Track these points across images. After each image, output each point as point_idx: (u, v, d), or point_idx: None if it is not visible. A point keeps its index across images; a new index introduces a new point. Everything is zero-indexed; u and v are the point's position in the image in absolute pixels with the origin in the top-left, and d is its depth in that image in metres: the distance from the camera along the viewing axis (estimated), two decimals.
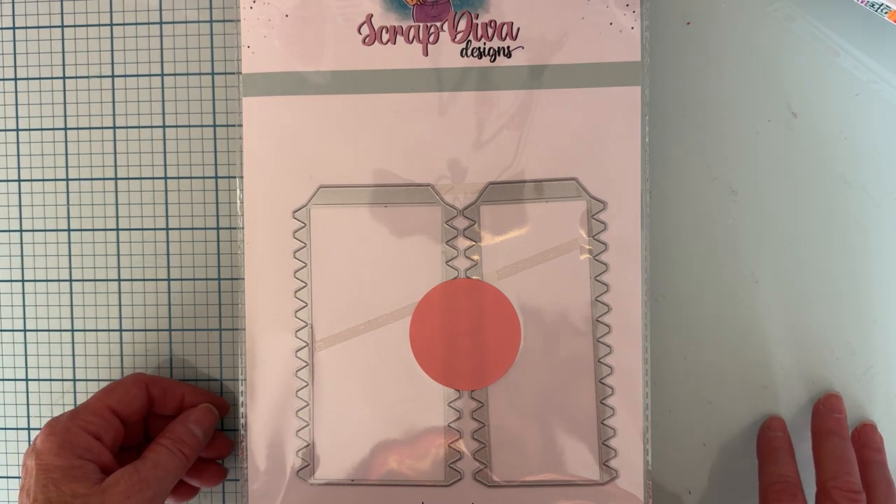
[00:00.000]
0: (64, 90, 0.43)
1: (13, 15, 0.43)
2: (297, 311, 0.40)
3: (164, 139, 0.43)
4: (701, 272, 0.41)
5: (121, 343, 0.43)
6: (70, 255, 0.43)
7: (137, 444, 0.41)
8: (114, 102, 0.43)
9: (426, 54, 0.39)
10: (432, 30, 0.39)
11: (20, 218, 0.44)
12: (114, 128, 0.43)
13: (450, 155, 0.40)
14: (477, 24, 0.39)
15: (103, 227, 0.43)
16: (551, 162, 0.39)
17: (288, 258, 0.40)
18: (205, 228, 0.43)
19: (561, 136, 0.39)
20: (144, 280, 0.43)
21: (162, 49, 0.42)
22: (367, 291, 0.40)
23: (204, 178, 0.43)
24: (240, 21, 0.40)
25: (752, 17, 0.41)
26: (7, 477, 0.44)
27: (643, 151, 0.39)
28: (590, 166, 0.39)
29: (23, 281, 0.44)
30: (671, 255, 0.41)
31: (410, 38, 0.39)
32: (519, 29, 0.39)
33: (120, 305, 0.43)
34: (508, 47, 0.39)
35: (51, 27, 0.43)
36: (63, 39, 0.43)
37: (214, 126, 0.43)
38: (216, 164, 0.43)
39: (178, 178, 0.43)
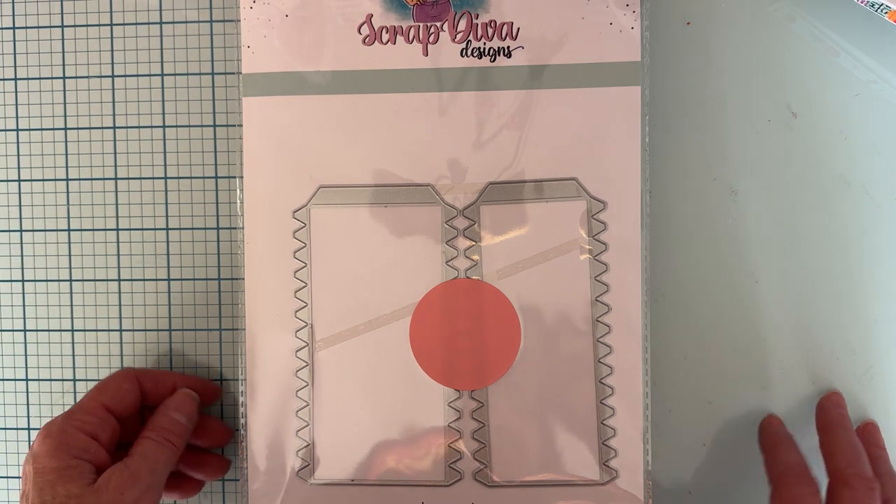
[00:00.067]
0: (64, 90, 0.43)
1: (13, 15, 0.43)
2: (297, 311, 0.40)
3: (164, 139, 0.43)
4: (701, 272, 0.41)
5: (121, 343, 0.43)
6: (70, 255, 0.43)
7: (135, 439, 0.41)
8: (114, 102, 0.43)
9: (426, 54, 0.39)
10: (432, 30, 0.39)
11: (20, 218, 0.44)
12: (114, 128, 0.43)
13: (450, 155, 0.40)
14: (477, 24, 0.39)
15: (103, 227, 0.43)
16: (551, 162, 0.39)
17: (288, 258, 0.40)
18: (205, 228, 0.43)
19: (561, 136, 0.39)
20: (144, 280, 0.43)
21: (162, 49, 0.42)
22: (367, 291, 0.40)
23: (204, 178, 0.43)
24: (240, 21, 0.40)
25: (752, 17, 0.41)
26: (7, 477, 0.44)
27: (643, 151, 0.39)
28: (590, 166, 0.39)
29: (23, 281, 0.44)
30: (671, 255, 0.41)
31: (410, 38, 0.39)
32: (519, 29, 0.39)
33: (120, 305, 0.43)
34: (508, 47, 0.39)
35: (51, 27, 0.43)
36: (63, 39, 0.43)
37: (214, 126, 0.43)
38: (216, 164, 0.43)
39: (178, 178, 0.43)
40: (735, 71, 0.41)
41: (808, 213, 0.41)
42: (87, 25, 0.43)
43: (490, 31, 0.39)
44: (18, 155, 0.44)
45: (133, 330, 0.43)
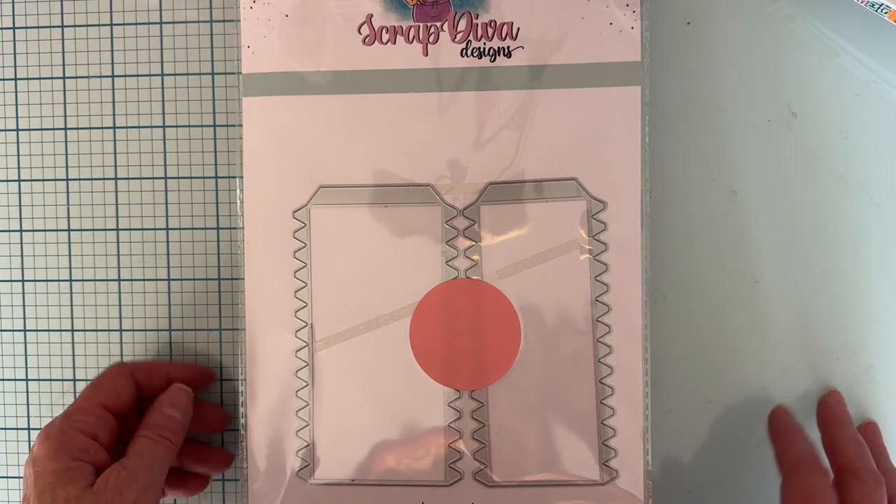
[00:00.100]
0: (64, 90, 0.43)
1: (13, 15, 0.43)
2: (297, 311, 0.40)
3: (164, 139, 0.43)
4: (701, 272, 0.41)
5: (121, 343, 0.43)
6: (70, 255, 0.43)
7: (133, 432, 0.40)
8: (114, 102, 0.43)
9: (426, 54, 0.39)
10: (432, 30, 0.39)
11: (20, 218, 0.44)
12: (114, 128, 0.43)
13: (450, 155, 0.40)
14: (477, 24, 0.39)
15: (103, 227, 0.43)
16: (551, 162, 0.39)
17: (288, 258, 0.40)
18: (205, 228, 0.43)
19: (561, 136, 0.39)
20: (144, 280, 0.43)
21: (162, 49, 0.42)
22: (367, 291, 0.40)
23: (204, 178, 0.43)
24: (240, 21, 0.40)
25: (752, 17, 0.41)
26: (7, 477, 0.44)
27: (643, 151, 0.39)
28: (590, 166, 0.39)
29: (23, 281, 0.44)
30: (671, 255, 0.41)
31: (410, 38, 0.39)
32: (519, 29, 0.39)
33: (120, 305, 0.43)
34: (508, 47, 0.39)
35: (51, 27, 0.43)
36: (63, 39, 0.43)
37: (214, 126, 0.43)
38: (216, 164, 0.43)
39: (178, 178, 0.43)
40: (735, 71, 0.41)
41: (808, 213, 0.41)
42: (87, 25, 0.43)
43: (490, 31, 0.39)
44: (18, 155, 0.44)
45: (133, 330, 0.43)
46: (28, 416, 0.44)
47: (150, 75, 0.43)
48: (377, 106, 0.40)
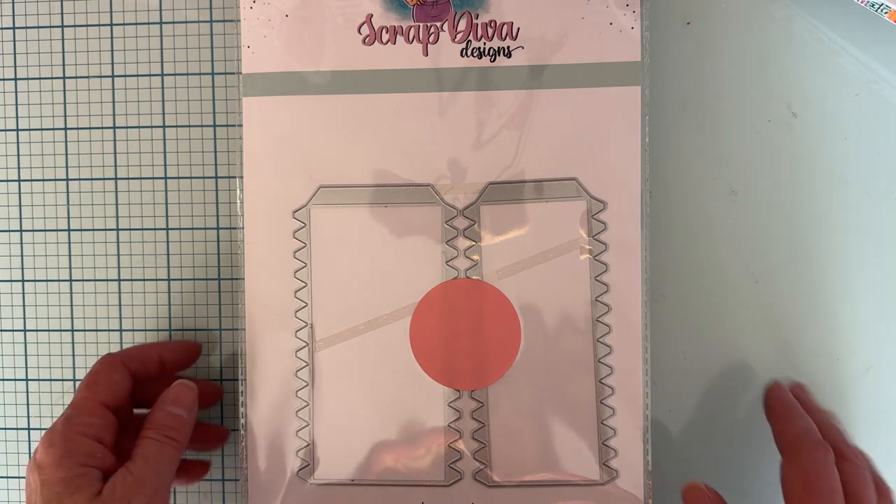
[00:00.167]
0: (64, 90, 0.43)
1: (13, 15, 0.43)
2: (297, 311, 0.40)
3: (164, 139, 0.43)
4: (701, 272, 0.41)
5: (121, 343, 0.43)
6: (70, 255, 0.43)
7: (131, 422, 0.40)
8: (114, 102, 0.43)
9: (426, 54, 0.39)
10: (432, 30, 0.39)
11: (20, 218, 0.44)
12: (114, 128, 0.43)
13: (450, 155, 0.40)
14: (477, 24, 0.39)
15: (103, 227, 0.43)
16: (551, 162, 0.39)
17: (288, 258, 0.40)
18: (205, 228, 0.43)
19: (561, 136, 0.39)
20: (144, 280, 0.43)
21: (162, 49, 0.42)
22: (367, 291, 0.40)
23: (204, 178, 0.43)
24: (240, 21, 0.40)
25: (752, 17, 0.41)
26: (7, 477, 0.44)
27: (643, 151, 0.39)
28: (590, 166, 0.39)
29: (23, 281, 0.44)
30: (671, 255, 0.41)
31: (410, 38, 0.39)
32: (519, 29, 0.39)
33: (120, 305, 0.43)
34: (508, 47, 0.39)
35: (51, 27, 0.43)
36: (63, 39, 0.43)
37: (214, 126, 0.43)
38: (216, 164, 0.43)
39: (178, 178, 0.43)
40: (735, 71, 0.41)
41: (808, 213, 0.41)
42: (87, 25, 0.43)
43: (490, 31, 0.39)
44: (18, 155, 0.44)
45: (133, 330, 0.43)
46: (28, 416, 0.44)
47: (150, 75, 0.43)
48: (377, 106, 0.40)
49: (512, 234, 0.40)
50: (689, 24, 0.41)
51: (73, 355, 0.44)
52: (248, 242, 0.40)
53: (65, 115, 0.43)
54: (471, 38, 0.39)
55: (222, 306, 0.43)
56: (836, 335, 0.41)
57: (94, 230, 0.43)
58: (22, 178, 0.44)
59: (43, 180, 0.43)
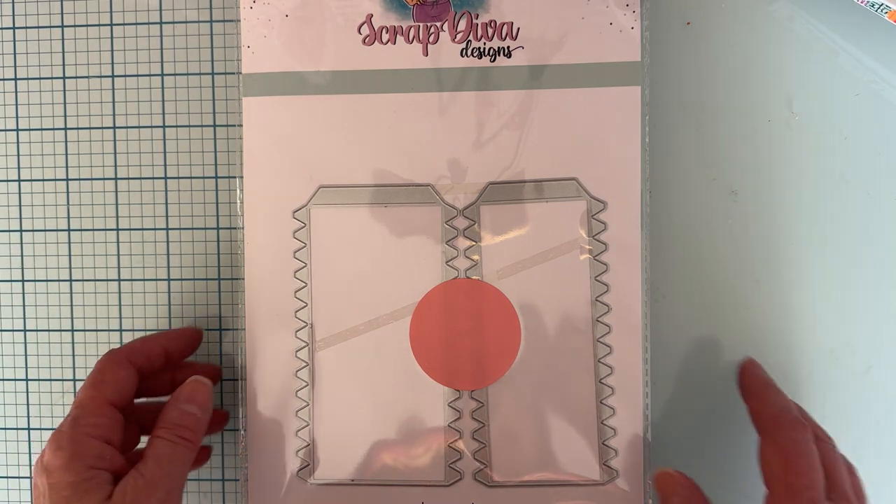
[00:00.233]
0: (64, 90, 0.43)
1: (13, 15, 0.43)
2: (297, 311, 0.40)
3: (164, 139, 0.43)
4: (701, 272, 0.41)
5: (121, 343, 0.43)
6: (70, 255, 0.43)
7: (132, 412, 0.39)
8: (114, 102, 0.43)
9: (426, 54, 0.39)
10: (432, 30, 0.39)
11: (20, 218, 0.44)
12: (114, 128, 0.43)
13: (450, 155, 0.40)
14: (477, 24, 0.39)
15: (103, 227, 0.43)
16: (551, 162, 0.39)
17: (288, 258, 0.40)
18: (205, 228, 0.43)
19: (561, 136, 0.39)
20: (144, 280, 0.43)
21: (162, 49, 0.42)
22: (367, 291, 0.40)
23: (204, 178, 0.43)
24: (240, 21, 0.40)
25: (752, 17, 0.41)
26: (7, 477, 0.44)
27: (643, 151, 0.39)
28: (590, 166, 0.39)
29: (23, 281, 0.44)
30: (671, 255, 0.41)
31: (410, 38, 0.39)
32: (519, 29, 0.39)
33: (120, 305, 0.43)
34: (508, 47, 0.39)
35: (51, 27, 0.43)
36: (63, 39, 0.43)
37: (214, 126, 0.43)
38: (216, 164, 0.43)
39: (178, 178, 0.43)
40: (735, 71, 0.41)
41: (808, 213, 0.41)
42: (87, 25, 0.43)
43: (490, 31, 0.39)
44: (18, 155, 0.44)
45: (133, 330, 0.43)
46: (28, 416, 0.44)
47: (150, 75, 0.43)
48: (377, 106, 0.40)
49: (512, 234, 0.40)
50: (689, 24, 0.41)
51: (73, 355, 0.44)
52: (248, 242, 0.40)
53: (65, 115, 0.43)
54: (471, 38, 0.39)
55: (222, 306, 0.43)
56: (836, 335, 0.41)
57: (94, 230, 0.43)
58: (22, 178, 0.44)
59: (43, 180, 0.43)
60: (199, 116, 0.43)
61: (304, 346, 0.40)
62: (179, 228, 0.43)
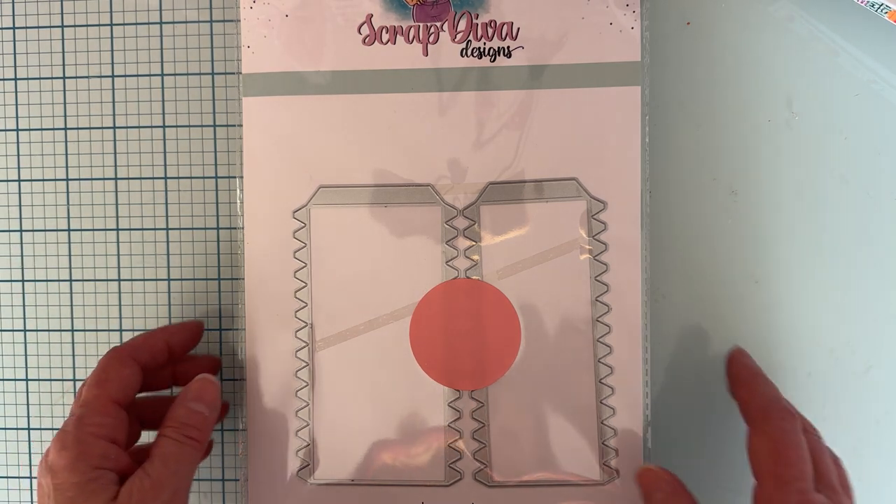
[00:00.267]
0: (64, 90, 0.43)
1: (13, 15, 0.43)
2: (297, 311, 0.40)
3: (164, 139, 0.43)
4: (701, 272, 0.41)
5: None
6: (70, 255, 0.43)
7: (132, 407, 0.39)
8: (114, 102, 0.43)
9: (426, 54, 0.39)
10: (432, 30, 0.39)
11: (20, 218, 0.44)
12: (114, 128, 0.43)
13: (450, 155, 0.40)
14: (477, 24, 0.39)
15: (103, 227, 0.43)
16: (551, 162, 0.39)
17: (288, 258, 0.40)
18: (205, 228, 0.43)
19: (561, 136, 0.39)
20: (144, 280, 0.43)
21: (162, 49, 0.42)
22: (367, 291, 0.40)
23: (204, 178, 0.43)
24: (240, 21, 0.40)
25: (752, 17, 0.41)
26: (6, 477, 0.44)
27: (643, 151, 0.39)
28: (590, 166, 0.39)
29: (23, 281, 0.44)
30: (671, 255, 0.41)
31: (410, 38, 0.39)
32: (519, 29, 0.39)
33: (120, 305, 0.43)
34: (508, 47, 0.39)
35: (51, 27, 0.43)
36: (63, 39, 0.43)
37: (214, 126, 0.43)
38: (216, 164, 0.43)
39: (178, 178, 0.43)
40: (735, 71, 0.41)
41: (808, 213, 0.41)
42: (87, 25, 0.43)
43: (490, 31, 0.39)
44: (18, 155, 0.44)
45: (133, 330, 0.43)
46: (28, 416, 0.44)
47: (150, 75, 0.43)
48: (377, 106, 0.40)
49: (512, 234, 0.40)
50: (689, 24, 0.41)
51: (73, 355, 0.44)
52: (248, 242, 0.40)
53: (65, 115, 0.43)
54: (471, 38, 0.39)
55: (222, 306, 0.43)
56: (836, 335, 0.41)
57: (94, 230, 0.43)
58: (22, 178, 0.44)
59: (43, 180, 0.43)
60: (199, 116, 0.43)
61: (304, 346, 0.40)
62: (179, 228, 0.43)
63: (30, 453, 0.44)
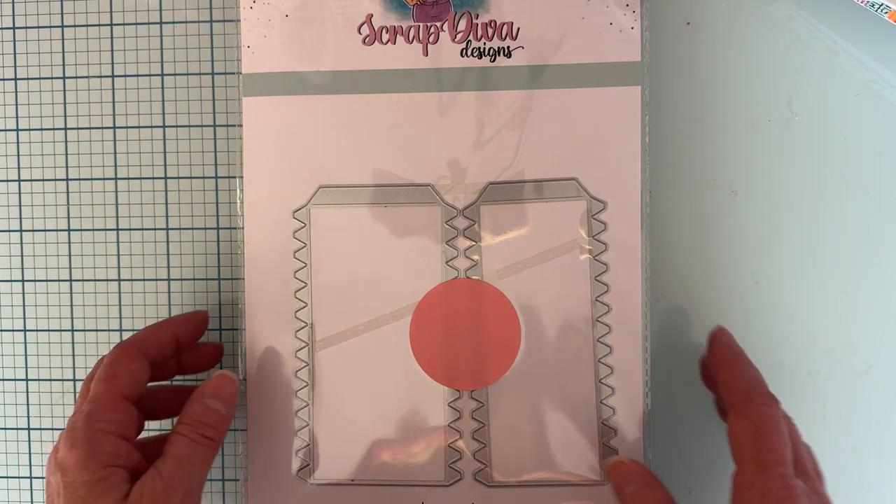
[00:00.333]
0: (64, 90, 0.43)
1: (13, 15, 0.43)
2: (297, 311, 0.40)
3: (164, 139, 0.43)
4: (701, 272, 0.41)
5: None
6: (70, 255, 0.43)
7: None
8: (114, 102, 0.43)
9: (426, 54, 0.39)
10: (432, 30, 0.39)
11: (20, 218, 0.44)
12: (114, 128, 0.43)
13: (450, 155, 0.40)
14: (477, 24, 0.39)
15: (103, 227, 0.43)
16: (551, 162, 0.39)
17: (288, 258, 0.40)
18: (205, 228, 0.43)
19: (561, 136, 0.39)
20: (144, 280, 0.43)
21: (162, 49, 0.42)
22: (367, 291, 0.40)
23: (204, 178, 0.43)
24: (240, 21, 0.40)
25: (752, 17, 0.41)
26: (7, 477, 0.44)
27: (643, 151, 0.39)
28: (590, 166, 0.39)
29: (23, 281, 0.44)
30: (671, 255, 0.41)
31: (410, 38, 0.39)
32: (519, 29, 0.39)
33: (120, 305, 0.43)
34: (508, 47, 0.39)
35: (51, 27, 0.43)
36: (63, 39, 0.43)
37: (214, 126, 0.43)
38: (216, 164, 0.43)
39: (178, 178, 0.43)
40: (735, 71, 0.41)
41: (808, 213, 0.41)
42: (87, 25, 0.43)
43: (490, 31, 0.39)
44: (18, 155, 0.44)
45: (133, 330, 0.43)
46: (28, 416, 0.44)
47: (150, 75, 0.43)
48: (377, 106, 0.40)
49: (512, 234, 0.40)
50: (689, 24, 0.41)
51: (73, 355, 0.44)
52: (248, 242, 0.40)
53: (65, 115, 0.43)
54: (471, 38, 0.39)
55: (222, 306, 0.43)
56: (836, 335, 0.41)
57: (94, 230, 0.43)
58: (22, 178, 0.44)
59: (43, 180, 0.43)
60: (199, 116, 0.43)
61: (304, 346, 0.40)
62: (179, 228, 0.43)
63: (30, 453, 0.44)
